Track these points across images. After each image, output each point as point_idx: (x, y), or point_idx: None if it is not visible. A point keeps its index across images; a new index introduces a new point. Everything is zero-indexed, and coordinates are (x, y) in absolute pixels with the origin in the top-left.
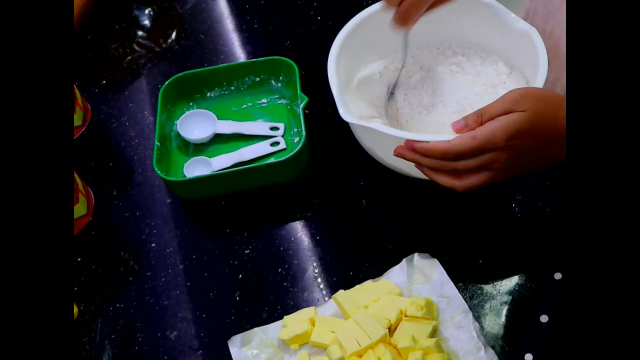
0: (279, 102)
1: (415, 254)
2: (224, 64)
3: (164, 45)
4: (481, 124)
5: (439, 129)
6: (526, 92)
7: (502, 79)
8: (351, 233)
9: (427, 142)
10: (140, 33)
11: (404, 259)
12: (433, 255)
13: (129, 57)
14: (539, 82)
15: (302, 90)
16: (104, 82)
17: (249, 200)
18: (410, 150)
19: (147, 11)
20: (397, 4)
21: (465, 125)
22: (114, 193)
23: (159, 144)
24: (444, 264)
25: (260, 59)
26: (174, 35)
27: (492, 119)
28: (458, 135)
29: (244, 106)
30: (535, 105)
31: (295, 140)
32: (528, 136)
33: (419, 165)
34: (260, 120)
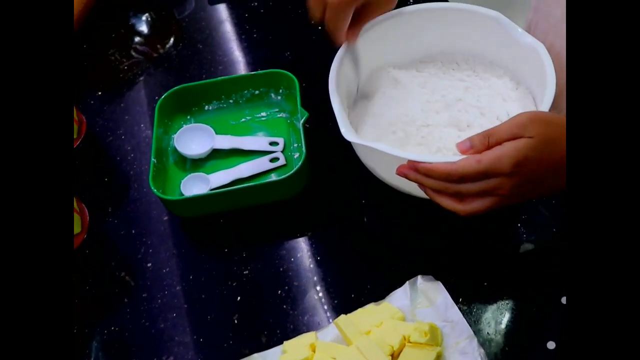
0: (278, 115)
1: (419, 277)
2: (223, 77)
3: (161, 54)
4: (488, 147)
5: (439, 143)
6: (535, 117)
7: (508, 94)
8: (353, 253)
9: (431, 162)
10: (137, 40)
11: (407, 282)
12: (436, 277)
13: (126, 67)
14: (546, 101)
15: (302, 103)
16: (100, 93)
17: (248, 219)
18: (413, 170)
19: (144, 18)
20: (319, 20)
21: (471, 147)
22: (109, 210)
23: (155, 160)
24: (447, 287)
25: (260, 71)
26: (171, 44)
27: (500, 142)
28: (463, 157)
29: (243, 120)
30: (544, 131)
31: (295, 156)
32: (535, 163)
33: (421, 185)
34: (259, 133)
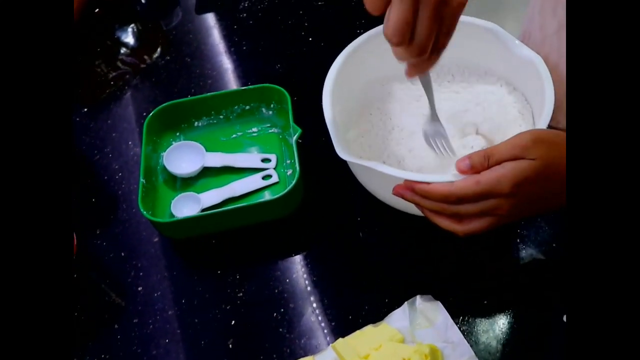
0: (270, 131)
1: (418, 296)
2: (212, 93)
3: (149, 67)
4: (487, 167)
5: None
6: (538, 138)
7: (505, 106)
8: (349, 273)
9: (428, 183)
10: (123, 52)
11: (405, 302)
12: (435, 296)
13: (112, 82)
14: (545, 116)
15: (295, 117)
16: (85, 109)
17: (241, 238)
18: (409, 190)
19: (130, 31)
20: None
21: (470, 167)
22: (97, 231)
23: (144, 180)
24: (447, 306)
25: (250, 86)
26: (159, 57)
27: (499, 163)
28: (461, 177)
29: (234, 136)
30: (546, 153)
31: (288, 173)
32: (535, 184)
33: (418, 206)
34: (251, 149)
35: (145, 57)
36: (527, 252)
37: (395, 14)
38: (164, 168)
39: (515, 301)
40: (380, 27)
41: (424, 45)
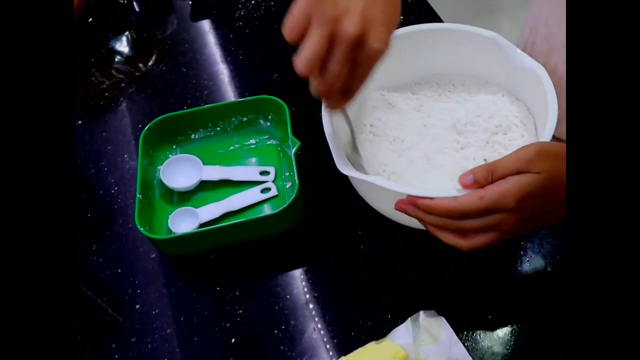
0: (268, 142)
1: (421, 312)
2: (209, 105)
3: (144, 78)
4: (491, 181)
5: (438, 168)
6: (542, 151)
7: (507, 116)
8: (351, 288)
9: (431, 198)
10: (118, 63)
11: (408, 319)
12: (439, 311)
13: (107, 94)
14: (548, 127)
15: (293, 129)
16: (80, 122)
17: (240, 254)
18: (412, 205)
19: (125, 41)
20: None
21: (473, 182)
22: (93, 247)
23: (140, 196)
24: (450, 321)
25: (248, 98)
26: (154, 67)
27: (503, 177)
28: (465, 192)
29: (231, 148)
30: (550, 166)
31: (287, 186)
32: (540, 198)
33: (421, 221)
34: (249, 159)
35: (140, 64)
36: (531, 265)
37: (308, 47)
38: (161, 182)
39: (521, 316)
40: None
41: (331, 83)
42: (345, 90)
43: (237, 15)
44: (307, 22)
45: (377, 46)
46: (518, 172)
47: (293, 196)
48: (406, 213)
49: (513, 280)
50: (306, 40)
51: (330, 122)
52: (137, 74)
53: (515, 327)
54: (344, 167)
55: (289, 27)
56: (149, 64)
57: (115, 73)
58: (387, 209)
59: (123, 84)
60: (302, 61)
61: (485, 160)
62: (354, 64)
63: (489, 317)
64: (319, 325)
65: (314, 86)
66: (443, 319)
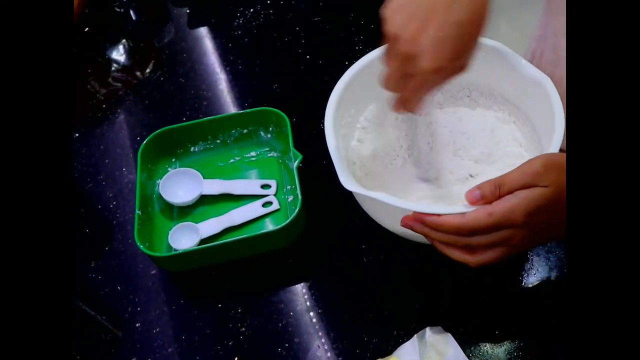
0: (269, 155)
1: (427, 329)
2: (208, 117)
3: (142, 89)
4: (499, 196)
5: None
6: (549, 164)
7: (510, 126)
8: (355, 304)
9: (439, 215)
10: (115, 73)
11: (415, 335)
12: (445, 327)
13: (104, 105)
14: (555, 140)
15: (293, 138)
16: (77, 135)
17: (242, 269)
18: (419, 222)
19: (122, 50)
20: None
21: (481, 197)
22: (92, 264)
23: (140, 212)
24: (457, 337)
25: (248, 110)
26: (152, 77)
27: (511, 192)
28: (472, 208)
29: (232, 160)
30: (559, 179)
31: (289, 199)
32: (548, 212)
33: (428, 237)
34: (250, 172)
35: (138, 73)
36: (538, 279)
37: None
38: (160, 196)
39: (529, 331)
40: (380, 49)
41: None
42: (409, 100)
43: (235, 23)
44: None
45: (424, 65)
46: (526, 186)
47: (296, 211)
48: (412, 230)
49: (520, 295)
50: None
51: (334, 135)
52: (134, 81)
53: (523, 343)
54: (348, 183)
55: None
56: (147, 72)
57: (112, 81)
58: (392, 225)
59: (120, 92)
60: (383, 77)
61: (488, 175)
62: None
63: (496, 332)
64: (324, 343)
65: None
66: (450, 335)
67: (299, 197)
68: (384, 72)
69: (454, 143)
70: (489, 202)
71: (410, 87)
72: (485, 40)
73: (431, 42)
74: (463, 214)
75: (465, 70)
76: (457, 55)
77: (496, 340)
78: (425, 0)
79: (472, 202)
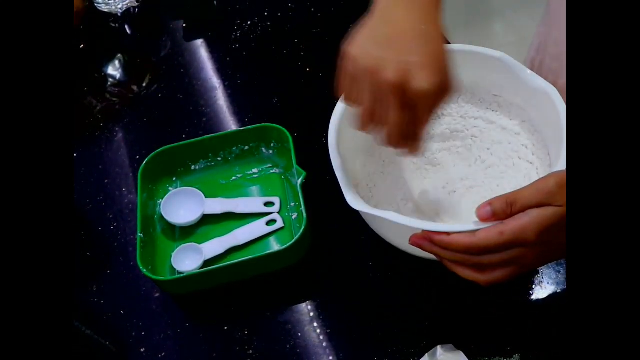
0: (271, 171)
1: (438, 347)
2: (209, 135)
3: (140, 107)
4: (510, 214)
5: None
6: (563, 182)
7: (516, 136)
8: (364, 323)
9: (448, 233)
10: (111, 87)
11: (426, 355)
12: (456, 345)
13: (101, 124)
14: (563, 150)
15: (295, 153)
16: (75, 154)
17: (247, 290)
18: (428, 241)
19: (118, 65)
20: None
21: (492, 214)
22: (94, 288)
23: (141, 235)
24: (469, 354)
25: (249, 127)
26: (150, 95)
27: (523, 210)
28: (482, 225)
29: (233, 178)
30: None
31: (293, 217)
32: (561, 231)
33: (438, 256)
34: (252, 189)
35: (134, 87)
36: (548, 292)
37: (356, 105)
38: (162, 217)
39: (540, 346)
40: None
41: (391, 133)
42: (412, 135)
43: (233, 37)
44: (352, 82)
45: (422, 86)
46: (539, 205)
47: (302, 229)
48: (421, 248)
49: (531, 310)
50: (354, 99)
51: (338, 154)
52: (130, 95)
53: (534, 358)
54: (354, 202)
55: (340, 93)
56: (144, 86)
57: (108, 96)
58: (400, 243)
59: (117, 107)
60: (355, 119)
61: (492, 188)
62: (410, 108)
63: (508, 348)
64: None
65: (378, 140)
66: (462, 354)
67: (304, 214)
68: (356, 113)
69: (459, 154)
70: (500, 219)
71: (407, 120)
72: (488, 51)
73: (421, 59)
74: (473, 232)
75: (454, 89)
76: (452, 66)
77: (508, 355)
78: (389, 31)
79: (483, 219)
